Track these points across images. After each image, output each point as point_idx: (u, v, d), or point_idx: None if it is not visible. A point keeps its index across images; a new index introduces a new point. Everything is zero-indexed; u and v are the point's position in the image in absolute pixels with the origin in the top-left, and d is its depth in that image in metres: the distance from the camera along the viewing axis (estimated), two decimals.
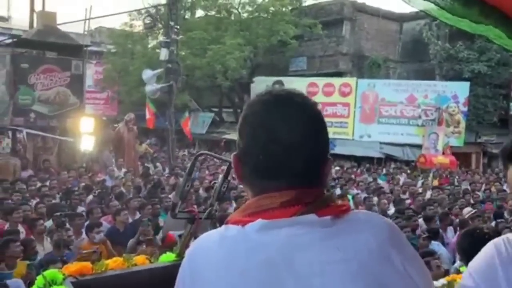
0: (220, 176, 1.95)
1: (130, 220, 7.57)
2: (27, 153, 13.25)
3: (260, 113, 1.06)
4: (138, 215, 7.93)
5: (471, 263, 1.11)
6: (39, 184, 10.05)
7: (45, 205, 7.91)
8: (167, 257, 2.05)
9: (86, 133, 12.31)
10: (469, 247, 3.05)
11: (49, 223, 6.88)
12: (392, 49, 25.28)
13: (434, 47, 21.49)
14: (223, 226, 1.07)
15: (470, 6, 1.68)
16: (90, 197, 9.37)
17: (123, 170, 12.45)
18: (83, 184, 10.50)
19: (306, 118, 1.07)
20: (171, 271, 2.00)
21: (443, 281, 3.01)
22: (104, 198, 9.10)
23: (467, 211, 8.50)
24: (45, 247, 6.26)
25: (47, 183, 10.26)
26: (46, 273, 1.82)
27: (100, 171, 12.77)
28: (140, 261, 1.98)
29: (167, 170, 14.42)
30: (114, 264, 1.90)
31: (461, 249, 3.48)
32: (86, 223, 6.82)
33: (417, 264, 1.05)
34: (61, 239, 5.72)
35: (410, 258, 1.04)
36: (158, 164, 15.29)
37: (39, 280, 1.78)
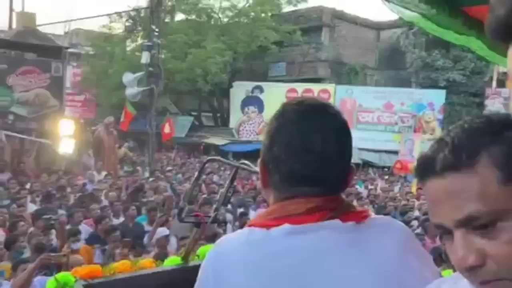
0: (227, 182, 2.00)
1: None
2: (5, 156, 12.99)
3: (296, 122, 1.08)
4: (121, 219, 7.87)
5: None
6: (17, 188, 9.86)
7: (25, 209, 7.80)
8: (172, 261, 2.10)
9: (65, 135, 12.15)
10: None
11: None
12: (369, 56, 25.67)
13: (411, 55, 21.92)
14: (247, 229, 1.08)
15: (454, 17, 1.79)
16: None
17: (103, 173, 12.32)
18: (59, 185, 10.31)
19: (338, 128, 1.11)
20: (177, 274, 2.08)
21: None
22: (84, 201, 8.98)
23: None
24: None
25: (27, 186, 10.07)
26: (58, 276, 1.85)
27: (79, 174, 12.61)
28: (147, 265, 2.04)
29: (146, 174, 14.30)
30: (122, 267, 1.95)
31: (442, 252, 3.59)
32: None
33: (432, 268, 1.09)
34: (41, 243, 5.63)
35: (426, 263, 1.08)
36: (138, 168, 15.17)
37: (51, 283, 1.81)
